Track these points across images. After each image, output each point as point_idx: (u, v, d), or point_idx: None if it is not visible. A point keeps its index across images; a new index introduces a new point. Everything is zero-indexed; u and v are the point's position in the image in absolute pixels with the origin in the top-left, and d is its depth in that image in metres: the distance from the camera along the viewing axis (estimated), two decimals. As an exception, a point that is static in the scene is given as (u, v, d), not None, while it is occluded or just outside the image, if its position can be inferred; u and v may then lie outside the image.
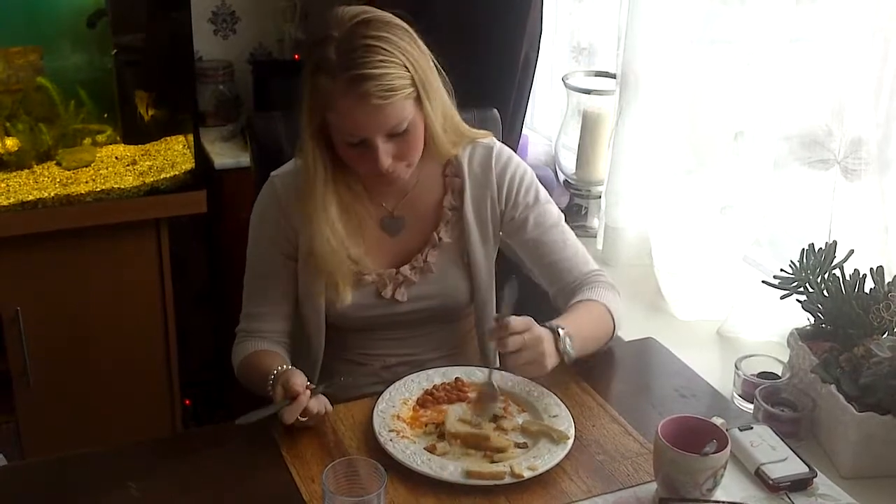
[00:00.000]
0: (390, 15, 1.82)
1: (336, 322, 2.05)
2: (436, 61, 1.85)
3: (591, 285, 2.02)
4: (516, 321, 1.75)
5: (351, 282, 1.98)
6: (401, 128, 1.82)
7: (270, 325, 2.02)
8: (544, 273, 2.08)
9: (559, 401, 1.85)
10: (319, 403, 1.77)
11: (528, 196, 2.06)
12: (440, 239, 2.04)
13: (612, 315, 1.98)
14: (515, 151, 2.12)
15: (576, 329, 1.87)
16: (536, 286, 2.10)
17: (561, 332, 1.82)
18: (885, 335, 1.79)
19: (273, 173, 2.02)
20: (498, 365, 1.93)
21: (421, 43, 1.83)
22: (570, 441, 1.73)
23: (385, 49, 1.76)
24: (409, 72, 1.78)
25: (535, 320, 1.80)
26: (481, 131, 2.06)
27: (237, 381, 2.02)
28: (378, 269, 2.02)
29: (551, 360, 1.80)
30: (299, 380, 1.75)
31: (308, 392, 1.74)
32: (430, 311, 2.07)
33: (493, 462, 1.69)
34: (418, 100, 1.82)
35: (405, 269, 2.03)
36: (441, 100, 1.89)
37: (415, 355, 2.10)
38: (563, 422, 1.79)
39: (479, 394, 1.83)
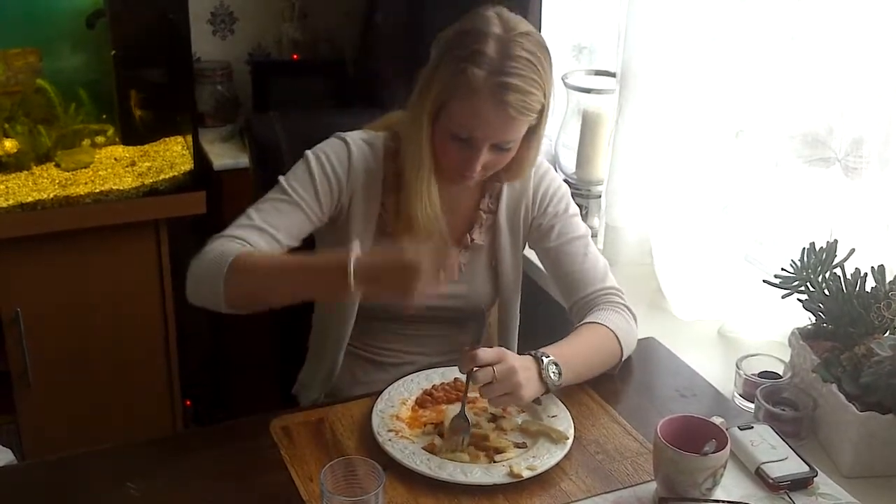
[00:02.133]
0: (543, 38, 1.87)
1: (365, 307, 2.04)
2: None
3: (602, 306, 1.99)
4: (485, 353, 1.71)
5: None
6: (508, 144, 1.87)
7: (266, 245, 1.88)
8: (561, 284, 2.09)
9: (558, 401, 1.85)
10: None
11: (559, 206, 2.09)
12: (472, 240, 2.07)
13: (618, 341, 1.94)
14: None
15: (567, 356, 1.83)
16: (547, 307, 2.10)
17: (545, 360, 1.79)
18: (886, 334, 1.78)
19: (342, 134, 2.01)
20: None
21: (553, 75, 1.88)
22: (570, 441, 1.73)
23: (538, 69, 1.81)
24: (543, 100, 1.84)
25: (543, 338, 1.80)
26: None
27: (236, 382, 2.02)
28: None
29: (528, 391, 1.74)
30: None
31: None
32: (453, 310, 2.09)
33: (492, 462, 1.69)
34: (534, 127, 1.88)
35: None
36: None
37: (424, 356, 2.12)
38: (563, 422, 1.78)
39: (452, 424, 1.78)
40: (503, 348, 1.76)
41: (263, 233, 1.88)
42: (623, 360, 1.98)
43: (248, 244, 1.85)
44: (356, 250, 1.67)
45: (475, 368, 1.70)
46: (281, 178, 1.96)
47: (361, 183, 1.98)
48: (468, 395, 1.85)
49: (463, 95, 1.81)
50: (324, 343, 2.13)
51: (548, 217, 2.08)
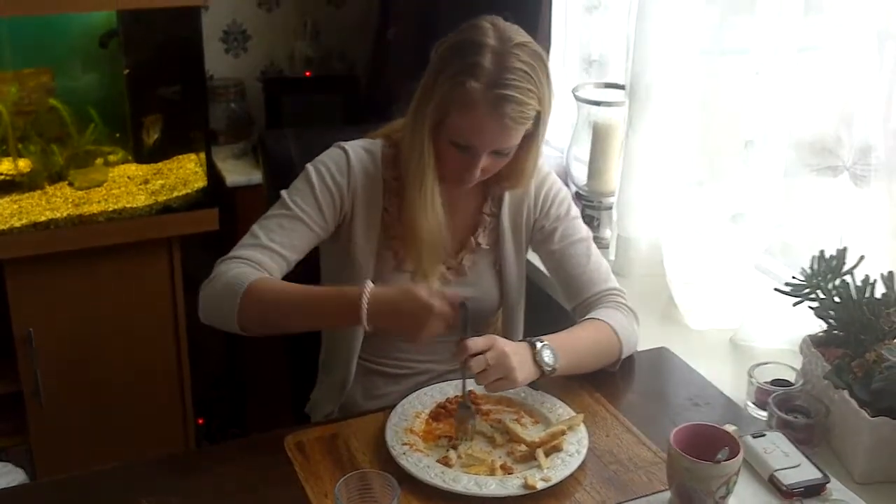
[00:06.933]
0: (539, 46, 1.89)
1: None
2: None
3: (603, 305, 2.03)
4: (475, 341, 1.75)
5: (437, 274, 2.02)
6: (507, 150, 1.90)
7: (274, 265, 1.91)
8: (565, 287, 2.11)
9: (571, 411, 1.85)
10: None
11: (561, 208, 2.11)
12: (477, 244, 2.08)
13: (617, 336, 1.97)
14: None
15: (563, 344, 1.87)
16: (551, 313, 2.10)
17: (538, 345, 1.82)
18: (896, 340, 1.79)
19: (342, 143, 2.03)
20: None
21: (551, 81, 1.90)
22: (584, 450, 1.74)
23: (533, 79, 1.84)
24: (539, 107, 1.88)
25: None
26: None
27: (249, 400, 2.02)
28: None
29: (522, 373, 1.77)
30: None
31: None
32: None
33: (509, 475, 1.69)
34: (531, 133, 1.92)
35: (441, 267, 2.05)
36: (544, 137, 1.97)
37: (436, 363, 2.12)
38: (577, 432, 1.79)
39: (457, 416, 1.82)
40: (493, 335, 1.79)
41: (269, 251, 1.91)
42: (623, 357, 2.00)
43: (256, 265, 1.88)
44: (369, 285, 1.74)
45: (469, 357, 1.73)
46: (283, 193, 1.99)
47: (362, 188, 2.00)
48: (481, 407, 1.87)
49: (462, 108, 1.84)
50: (335, 357, 2.13)
51: (550, 219, 2.10)
